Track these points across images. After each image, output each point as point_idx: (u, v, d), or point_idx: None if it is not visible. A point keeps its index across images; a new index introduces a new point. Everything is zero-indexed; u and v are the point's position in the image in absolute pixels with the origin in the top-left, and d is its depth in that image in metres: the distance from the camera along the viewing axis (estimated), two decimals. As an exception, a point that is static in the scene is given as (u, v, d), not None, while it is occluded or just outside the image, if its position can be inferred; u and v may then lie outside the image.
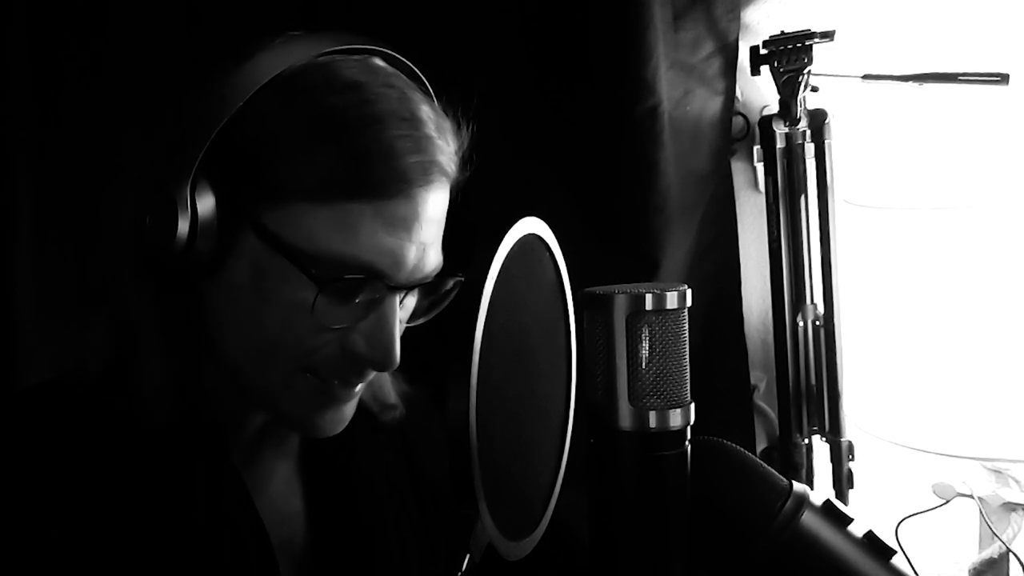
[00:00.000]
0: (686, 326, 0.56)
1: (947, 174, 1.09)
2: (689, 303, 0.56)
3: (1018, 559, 1.09)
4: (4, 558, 0.66)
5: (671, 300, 0.55)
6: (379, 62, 0.71)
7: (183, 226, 0.63)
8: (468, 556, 0.57)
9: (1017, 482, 1.13)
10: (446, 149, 0.69)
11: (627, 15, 1.15)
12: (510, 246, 0.56)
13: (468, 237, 0.72)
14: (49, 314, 1.14)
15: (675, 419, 0.56)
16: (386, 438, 0.86)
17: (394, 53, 0.72)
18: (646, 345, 0.55)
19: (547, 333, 0.64)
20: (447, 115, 0.72)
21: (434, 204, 0.68)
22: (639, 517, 0.57)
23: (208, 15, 1.15)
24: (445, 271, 0.72)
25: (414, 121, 0.67)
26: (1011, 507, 1.11)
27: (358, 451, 0.83)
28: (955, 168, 1.09)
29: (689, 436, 0.57)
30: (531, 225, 0.59)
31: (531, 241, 0.60)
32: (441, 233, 0.71)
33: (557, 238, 0.63)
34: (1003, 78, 1.09)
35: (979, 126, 1.10)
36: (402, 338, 0.70)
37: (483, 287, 0.52)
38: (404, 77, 0.71)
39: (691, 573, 0.58)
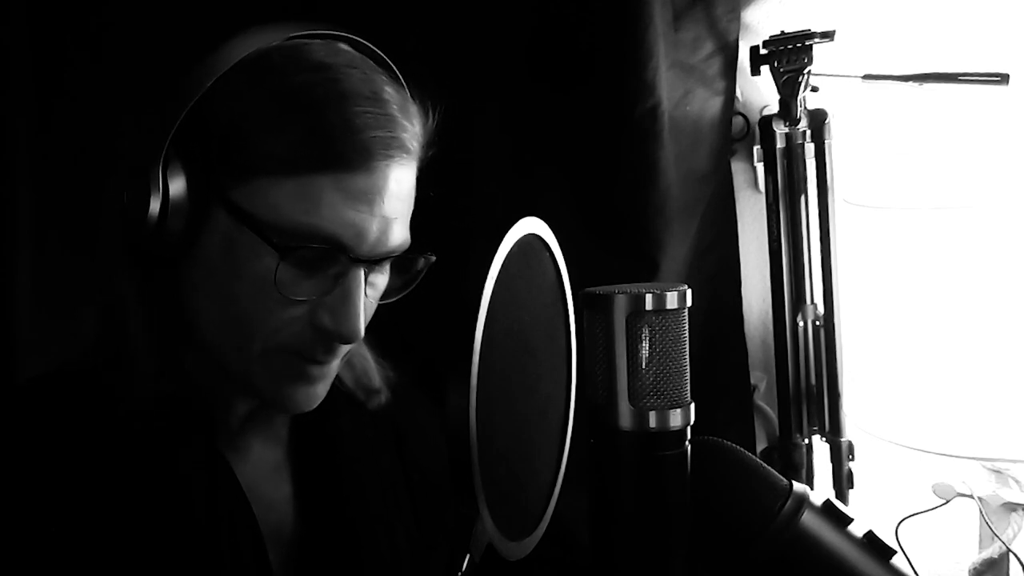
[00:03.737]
0: (686, 326, 0.56)
1: (947, 174, 1.09)
2: (689, 303, 0.56)
3: (1018, 559, 1.09)
4: (4, 547, 0.67)
5: (671, 300, 0.55)
6: (344, 46, 0.73)
7: (154, 204, 0.66)
8: (468, 556, 0.57)
9: (1017, 482, 1.13)
10: (409, 128, 0.70)
11: (627, 15, 1.16)
12: (510, 246, 0.56)
13: (436, 217, 0.74)
14: (49, 313, 1.14)
15: (675, 419, 0.56)
16: (376, 427, 0.87)
17: (360, 39, 0.74)
18: (646, 345, 0.55)
19: (547, 333, 0.64)
20: (414, 99, 0.74)
21: (396, 180, 0.69)
22: (639, 517, 0.57)
23: (208, 14, 1.15)
24: (415, 249, 0.73)
25: (377, 100, 0.68)
26: (1011, 507, 1.11)
27: (347, 439, 0.84)
28: (955, 168, 1.09)
29: (689, 436, 0.57)
30: (531, 225, 0.59)
31: (531, 241, 0.60)
32: (408, 211, 0.72)
33: (557, 238, 0.63)
34: (1003, 78, 1.09)
35: (979, 126, 1.10)
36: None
37: (483, 287, 0.52)
38: (369, 61, 0.73)
39: (691, 573, 0.58)
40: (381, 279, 0.74)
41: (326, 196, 0.66)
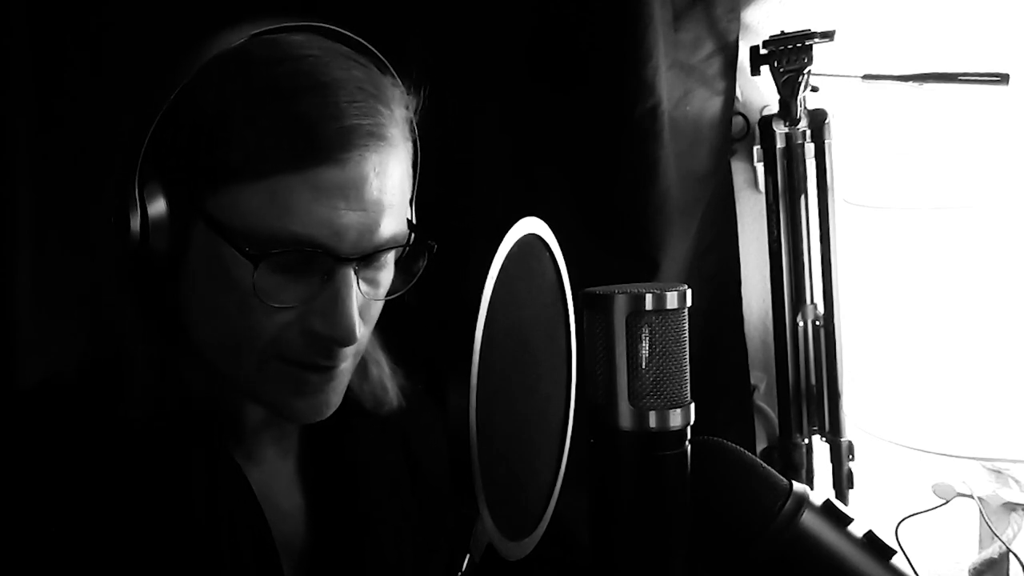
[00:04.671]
0: (686, 326, 0.56)
1: (946, 174, 1.09)
2: (689, 303, 0.56)
3: (1018, 559, 1.09)
4: (8, 555, 0.66)
5: (671, 300, 0.55)
6: (314, 36, 0.70)
7: (134, 223, 0.65)
8: (468, 556, 0.57)
9: (1017, 482, 1.13)
10: (387, 114, 0.67)
11: (627, 15, 1.16)
12: (510, 246, 0.56)
13: (436, 217, 0.72)
14: (49, 313, 1.14)
15: (675, 419, 0.56)
16: (387, 436, 0.86)
17: (337, 28, 0.71)
18: (646, 345, 0.55)
19: (547, 333, 0.64)
20: (397, 84, 0.72)
21: (376, 170, 0.66)
22: (639, 517, 0.57)
23: (208, 14, 1.15)
24: (414, 240, 0.71)
25: (346, 88, 0.66)
26: (1011, 507, 1.11)
27: (358, 447, 0.83)
28: (954, 168, 1.09)
29: (689, 436, 0.57)
30: (531, 225, 0.59)
31: (531, 241, 0.60)
32: (400, 201, 0.69)
33: (557, 238, 0.63)
34: (1003, 78, 1.09)
35: (979, 126, 1.10)
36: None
37: (483, 287, 0.52)
38: (343, 48, 0.70)
39: (691, 573, 0.58)
40: (383, 275, 0.71)
41: (297, 197, 0.63)
